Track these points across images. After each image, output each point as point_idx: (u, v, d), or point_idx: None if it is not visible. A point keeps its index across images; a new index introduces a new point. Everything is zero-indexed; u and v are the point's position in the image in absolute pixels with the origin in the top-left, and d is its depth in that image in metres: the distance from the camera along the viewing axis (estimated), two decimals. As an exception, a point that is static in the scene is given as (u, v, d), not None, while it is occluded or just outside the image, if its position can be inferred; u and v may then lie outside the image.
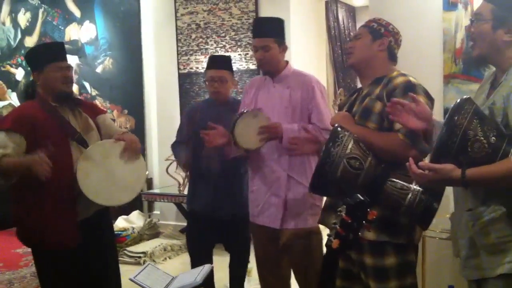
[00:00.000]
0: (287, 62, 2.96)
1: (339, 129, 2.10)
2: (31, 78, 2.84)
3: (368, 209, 1.57)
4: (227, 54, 5.67)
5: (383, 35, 2.27)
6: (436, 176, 1.73)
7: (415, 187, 2.00)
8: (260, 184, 2.90)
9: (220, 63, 3.38)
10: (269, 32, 2.87)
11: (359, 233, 1.95)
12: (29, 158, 2.48)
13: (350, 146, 2.05)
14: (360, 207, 1.57)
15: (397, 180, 2.03)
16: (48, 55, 2.74)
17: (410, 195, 1.99)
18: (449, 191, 3.08)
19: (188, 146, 3.42)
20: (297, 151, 2.69)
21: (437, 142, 1.75)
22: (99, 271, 2.76)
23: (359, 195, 1.57)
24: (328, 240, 1.59)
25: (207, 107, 3.42)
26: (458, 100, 1.76)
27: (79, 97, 3.01)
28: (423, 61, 3.45)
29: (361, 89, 2.37)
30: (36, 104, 2.71)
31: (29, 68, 7.24)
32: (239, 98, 5.50)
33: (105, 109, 3.05)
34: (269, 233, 2.88)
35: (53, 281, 2.68)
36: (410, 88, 2.10)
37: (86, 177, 2.59)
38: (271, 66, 2.89)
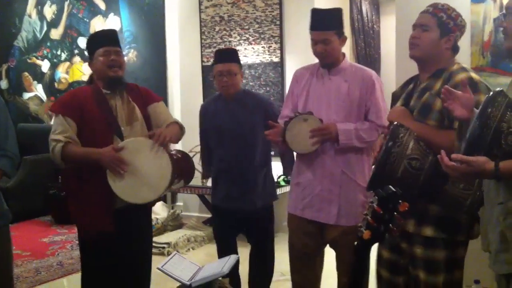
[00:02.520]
0: (344, 54, 2.86)
1: (399, 128, 2.07)
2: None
3: (400, 201, 1.57)
4: (250, 46, 5.69)
5: (451, 31, 2.19)
6: (469, 168, 1.71)
7: (478, 185, 1.98)
8: (309, 177, 2.82)
9: (227, 56, 3.32)
10: (329, 24, 2.75)
11: (415, 230, 1.95)
12: (100, 152, 2.62)
13: (410, 146, 2.03)
14: (391, 199, 1.57)
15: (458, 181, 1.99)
16: (97, 41, 2.81)
17: (472, 195, 1.97)
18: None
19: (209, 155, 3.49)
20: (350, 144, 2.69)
21: (470, 134, 1.74)
22: (133, 258, 2.83)
23: (391, 186, 1.57)
24: (359, 231, 1.60)
25: (219, 104, 3.37)
26: (491, 93, 1.75)
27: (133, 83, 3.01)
28: (450, 53, 3.41)
29: (418, 79, 2.31)
30: (89, 90, 2.79)
31: (54, 60, 7.32)
32: (262, 91, 5.55)
33: (160, 97, 3.03)
34: (313, 227, 2.83)
35: (92, 264, 2.80)
36: (472, 86, 2.04)
37: (115, 175, 2.64)
38: (332, 59, 2.79)
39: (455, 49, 2.24)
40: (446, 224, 2.09)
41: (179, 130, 2.91)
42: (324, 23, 2.76)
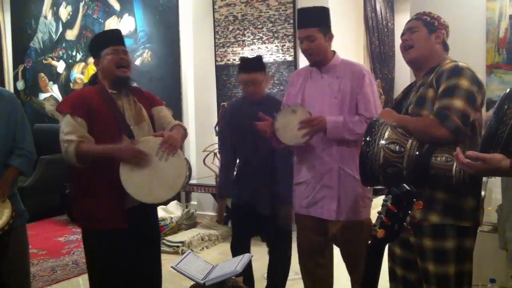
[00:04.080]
0: (334, 52, 2.90)
1: (375, 121, 2.13)
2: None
3: (414, 199, 1.56)
4: (264, 45, 5.69)
5: (438, 28, 2.28)
6: (485, 166, 1.70)
7: None
8: (309, 176, 2.87)
9: (250, 66, 3.34)
10: (313, 21, 2.82)
11: (422, 217, 1.95)
12: (119, 147, 2.59)
13: (387, 133, 2.08)
14: (406, 197, 1.56)
15: (442, 155, 2.03)
16: (104, 41, 2.79)
17: (455, 164, 1.96)
18: (491, 184, 3.04)
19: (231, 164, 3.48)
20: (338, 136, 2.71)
21: (486, 131, 1.73)
22: (143, 257, 2.80)
23: (405, 185, 1.56)
24: (373, 229, 1.59)
25: (245, 105, 3.39)
26: (508, 90, 1.73)
27: (136, 85, 2.99)
28: (465, 50, 3.39)
29: (415, 82, 2.36)
30: (95, 90, 2.76)
31: (70, 61, 7.38)
32: (276, 89, 5.55)
33: (162, 101, 3.03)
34: (318, 224, 2.87)
35: (100, 262, 2.75)
36: (456, 71, 2.11)
37: (129, 174, 2.61)
38: (318, 56, 2.84)
39: (446, 47, 2.31)
40: (451, 210, 2.11)
41: (184, 133, 2.91)
42: (308, 20, 2.83)
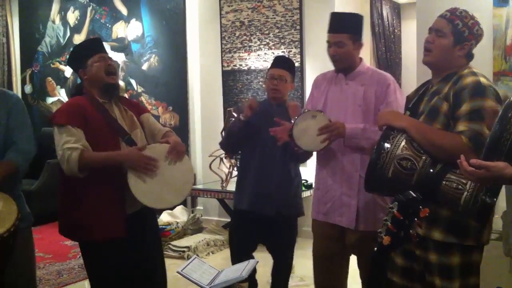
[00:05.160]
0: (361, 59, 2.86)
1: (390, 129, 2.08)
2: (79, 81, 2.85)
3: (421, 207, 1.56)
4: (270, 51, 5.70)
5: (466, 40, 2.17)
6: (488, 174, 1.69)
7: (471, 185, 1.94)
8: (330, 182, 2.82)
9: (282, 62, 3.38)
10: (344, 27, 2.76)
11: (425, 233, 1.93)
12: (125, 153, 2.58)
13: (401, 146, 2.02)
14: (412, 204, 1.56)
15: (453, 178, 1.98)
16: (89, 49, 2.76)
17: (465, 194, 1.93)
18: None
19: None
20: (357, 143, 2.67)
21: (490, 139, 1.72)
22: (146, 263, 2.79)
23: (411, 192, 1.56)
24: (379, 236, 1.59)
25: (263, 107, 3.36)
26: (511, 97, 1.73)
27: (125, 95, 2.98)
28: (472, 58, 3.38)
29: (430, 83, 2.29)
30: (85, 100, 2.71)
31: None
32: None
33: (150, 106, 3.04)
34: (335, 232, 2.81)
35: (101, 273, 2.72)
36: (479, 89, 2.04)
37: (137, 180, 2.60)
38: (345, 63, 2.78)
39: (469, 57, 2.22)
40: (455, 228, 2.07)
41: (179, 138, 2.91)
42: (340, 26, 2.78)
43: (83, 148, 2.54)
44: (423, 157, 2.02)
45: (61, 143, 2.55)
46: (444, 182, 1.98)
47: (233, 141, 3.43)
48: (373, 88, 2.75)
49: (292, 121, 2.79)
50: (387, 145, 2.03)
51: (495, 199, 1.87)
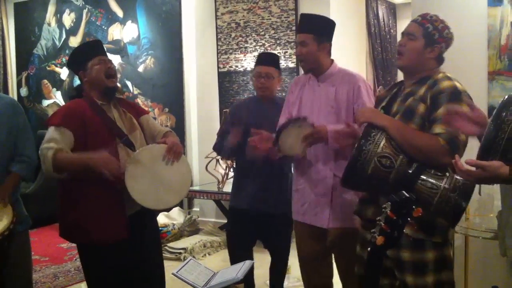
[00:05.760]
0: (332, 60, 2.89)
1: (371, 127, 2.11)
2: (78, 83, 2.86)
3: (414, 206, 1.56)
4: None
5: (436, 42, 2.22)
6: (484, 173, 1.70)
7: (445, 185, 2.00)
8: (305, 183, 2.87)
9: (267, 59, 3.40)
10: (308, 28, 2.81)
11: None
12: (92, 156, 2.48)
13: (382, 144, 2.06)
14: (405, 204, 1.56)
15: (428, 179, 2.03)
16: (89, 52, 2.77)
17: (439, 195, 1.98)
18: (492, 190, 3.03)
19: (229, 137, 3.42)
20: (338, 144, 2.67)
21: (484, 139, 1.73)
22: (144, 264, 2.78)
23: (404, 192, 1.56)
24: (372, 236, 1.59)
25: (253, 104, 3.41)
26: (506, 97, 1.74)
27: (121, 96, 2.97)
28: (467, 57, 3.39)
29: (402, 84, 2.34)
30: (84, 102, 2.72)
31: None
32: (278, 95, 5.54)
33: (146, 108, 3.04)
34: (315, 232, 2.85)
35: (99, 276, 2.71)
36: (456, 94, 2.09)
37: (135, 181, 2.59)
38: (310, 64, 2.83)
39: (440, 60, 2.27)
40: (424, 225, 2.09)
41: (178, 139, 2.91)
42: (305, 26, 2.83)
43: (58, 147, 2.52)
44: (401, 156, 2.07)
45: (43, 142, 2.57)
46: (419, 182, 2.03)
47: (227, 156, 3.54)
48: (344, 88, 2.79)
49: (278, 130, 2.80)
50: (368, 142, 2.07)
51: (467, 202, 1.96)
